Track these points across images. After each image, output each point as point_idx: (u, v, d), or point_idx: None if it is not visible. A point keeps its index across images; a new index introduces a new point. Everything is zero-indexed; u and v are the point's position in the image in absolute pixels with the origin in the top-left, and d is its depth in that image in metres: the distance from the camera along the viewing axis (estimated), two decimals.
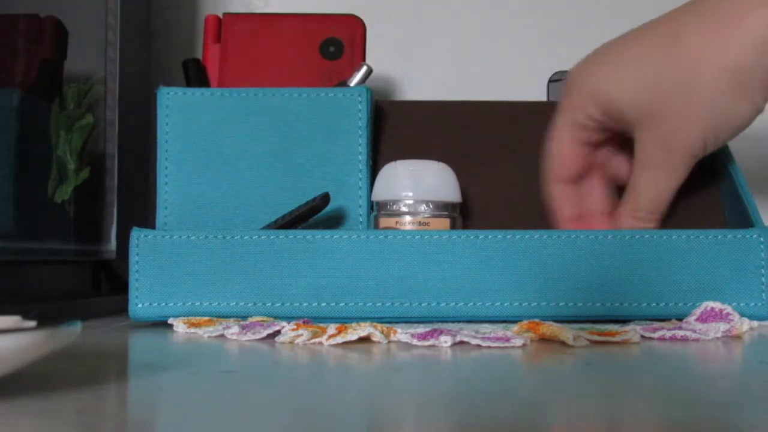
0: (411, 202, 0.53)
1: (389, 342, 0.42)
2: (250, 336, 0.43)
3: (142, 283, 0.50)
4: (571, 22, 0.79)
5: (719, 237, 0.50)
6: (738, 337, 0.45)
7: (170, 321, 0.49)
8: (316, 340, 0.42)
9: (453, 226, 0.53)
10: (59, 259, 0.57)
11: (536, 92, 0.67)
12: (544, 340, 0.43)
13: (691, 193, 0.57)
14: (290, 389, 0.31)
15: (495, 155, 0.59)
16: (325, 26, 0.66)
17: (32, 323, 0.30)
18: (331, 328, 0.42)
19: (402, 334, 0.42)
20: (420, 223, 0.53)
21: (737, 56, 0.49)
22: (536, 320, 0.44)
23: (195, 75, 0.64)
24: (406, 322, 0.49)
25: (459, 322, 0.50)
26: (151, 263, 0.50)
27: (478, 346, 0.40)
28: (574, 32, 0.78)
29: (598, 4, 0.79)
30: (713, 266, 0.50)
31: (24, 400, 0.28)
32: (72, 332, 0.29)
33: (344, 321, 0.47)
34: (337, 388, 0.32)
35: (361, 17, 0.66)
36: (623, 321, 0.50)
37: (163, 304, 0.50)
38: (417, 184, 0.53)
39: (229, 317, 0.50)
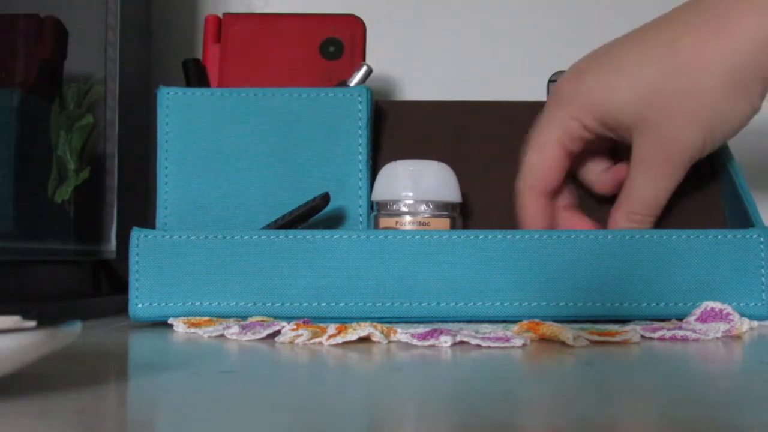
0: (411, 202, 0.53)
1: (389, 342, 0.42)
2: (250, 336, 0.43)
3: (142, 283, 0.50)
4: (571, 22, 0.79)
5: (719, 237, 0.50)
6: (738, 337, 0.45)
7: (170, 321, 0.49)
8: (316, 340, 0.42)
9: (453, 226, 0.53)
10: (59, 259, 0.57)
11: (536, 92, 0.67)
12: (544, 340, 0.43)
13: (691, 193, 0.57)
14: (290, 389, 0.31)
15: (495, 155, 0.59)
16: (325, 26, 0.66)
17: (32, 323, 0.30)
18: (331, 328, 0.42)
19: (402, 334, 0.42)
20: (420, 223, 0.53)
21: (736, 57, 0.49)
22: (536, 320, 0.44)
23: (195, 75, 0.64)
24: (406, 322, 0.49)
25: (459, 322, 0.50)
26: (151, 263, 0.50)
27: (478, 346, 0.40)
28: (574, 32, 0.78)
29: (598, 4, 0.79)
30: (713, 266, 0.50)
31: (24, 400, 0.28)
32: (72, 332, 0.29)
33: (344, 321, 0.47)
34: (337, 388, 0.32)
35: (361, 17, 0.66)
36: (623, 321, 0.50)
37: (163, 304, 0.50)
38: (417, 184, 0.53)
39: (229, 317, 0.50)
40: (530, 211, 0.55)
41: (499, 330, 0.45)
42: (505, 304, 0.50)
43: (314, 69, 0.65)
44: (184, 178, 0.56)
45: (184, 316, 0.50)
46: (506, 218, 0.58)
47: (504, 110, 0.62)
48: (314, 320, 0.48)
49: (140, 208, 0.69)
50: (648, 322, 0.49)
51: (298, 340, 0.42)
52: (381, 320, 0.48)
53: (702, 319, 0.47)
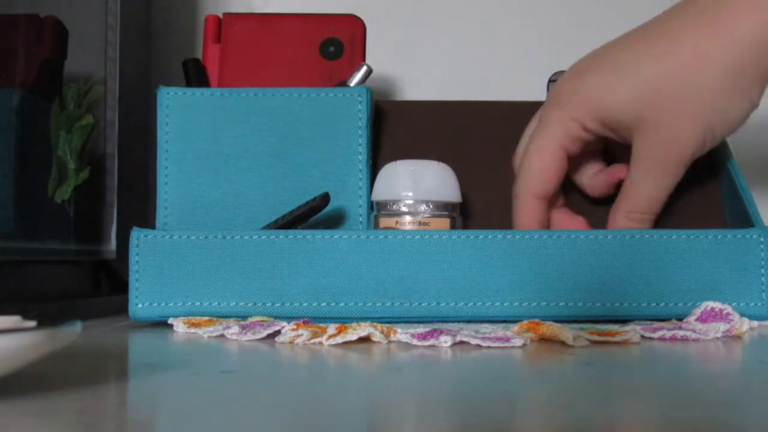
0: (411, 202, 0.53)
1: (389, 342, 0.42)
2: (250, 336, 0.43)
3: (142, 283, 0.50)
4: (571, 22, 0.79)
5: (719, 237, 0.50)
6: (738, 337, 0.45)
7: (170, 321, 0.49)
8: (316, 340, 0.42)
9: (453, 226, 0.53)
10: (59, 259, 0.57)
11: (536, 92, 0.67)
12: (544, 340, 0.43)
13: (691, 193, 0.57)
14: (290, 389, 0.31)
15: (495, 155, 0.59)
16: (325, 26, 0.66)
17: (32, 323, 0.30)
18: (331, 328, 0.42)
19: (402, 334, 0.42)
20: (420, 223, 0.53)
21: (734, 55, 0.49)
22: (536, 320, 0.44)
23: (195, 75, 0.64)
24: (406, 322, 0.49)
25: (459, 322, 0.50)
26: (151, 263, 0.50)
27: (478, 346, 0.40)
28: (574, 32, 0.78)
29: (598, 4, 0.79)
30: (713, 266, 0.50)
31: (24, 400, 0.28)
32: (72, 332, 0.29)
33: (344, 321, 0.47)
34: (337, 388, 0.32)
35: (361, 17, 0.66)
36: (623, 321, 0.50)
37: (163, 304, 0.50)
38: (417, 184, 0.53)
39: (229, 317, 0.50)
40: (530, 216, 0.55)
41: (499, 330, 0.45)
42: (505, 304, 0.50)
43: (314, 69, 0.65)
44: (184, 178, 0.56)
45: (184, 316, 0.50)
46: (506, 218, 0.58)
47: (504, 110, 0.62)
48: (314, 320, 0.48)
49: (140, 208, 0.69)
50: (648, 322, 0.49)
51: (298, 340, 0.42)
52: (381, 320, 0.48)
53: (702, 319, 0.47)
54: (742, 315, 0.47)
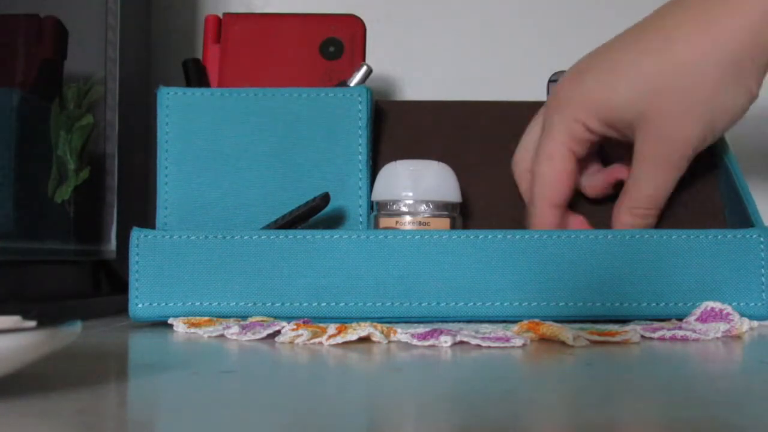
0: (411, 202, 0.53)
1: (389, 342, 0.42)
2: (250, 336, 0.43)
3: (142, 283, 0.50)
4: (571, 22, 0.79)
5: (719, 237, 0.50)
6: (738, 337, 0.45)
7: (170, 321, 0.49)
8: (316, 340, 0.42)
9: (453, 226, 0.53)
10: (59, 259, 0.57)
11: (536, 92, 0.67)
12: (544, 340, 0.43)
13: (691, 193, 0.57)
14: (290, 389, 0.31)
15: (495, 155, 0.59)
16: (325, 26, 0.66)
17: (32, 323, 0.30)
18: (331, 328, 0.42)
19: (402, 334, 0.42)
20: (420, 223, 0.53)
21: (731, 47, 0.49)
22: (536, 320, 0.44)
23: (195, 75, 0.64)
24: (406, 322, 0.49)
25: (459, 322, 0.50)
26: (151, 263, 0.50)
27: (478, 346, 0.40)
28: (574, 32, 0.78)
29: (598, 4, 0.79)
30: (713, 266, 0.50)
31: (24, 400, 0.28)
32: (72, 332, 0.29)
33: (344, 321, 0.47)
34: (337, 388, 0.32)
35: (361, 17, 0.66)
36: (623, 321, 0.50)
37: (163, 304, 0.50)
38: (417, 184, 0.53)
39: (229, 317, 0.50)
40: (547, 224, 0.54)
41: (499, 330, 0.45)
42: (505, 304, 0.50)
43: (314, 69, 0.65)
44: (184, 178, 0.56)
45: (184, 316, 0.50)
46: (506, 218, 0.58)
47: (504, 110, 0.62)
48: (314, 320, 0.48)
49: (140, 208, 0.69)
50: (648, 322, 0.49)
51: (298, 340, 0.42)
52: (381, 320, 0.48)
53: (702, 319, 0.47)
54: (742, 315, 0.47)
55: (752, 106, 0.52)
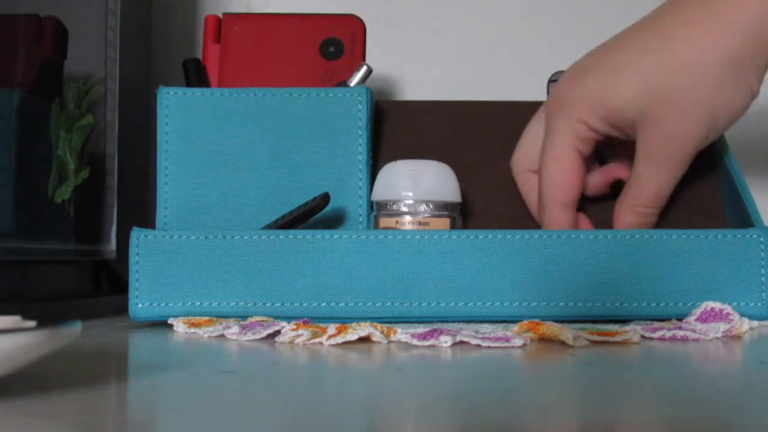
0: (411, 202, 0.53)
1: (389, 342, 0.42)
2: (250, 336, 0.43)
3: (142, 283, 0.50)
4: (571, 22, 0.79)
5: (719, 237, 0.50)
6: (738, 337, 0.45)
7: (170, 321, 0.49)
8: (316, 340, 0.42)
9: (453, 226, 0.53)
10: (59, 259, 0.57)
11: (536, 92, 0.67)
12: (544, 340, 0.43)
13: (691, 193, 0.57)
14: (290, 389, 0.31)
15: (495, 155, 0.59)
16: (325, 26, 0.66)
17: (32, 323, 0.30)
18: (331, 328, 0.42)
19: (402, 334, 0.42)
20: (420, 223, 0.53)
21: (731, 45, 0.49)
22: (536, 320, 0.44)
23: (195, 75, 0.64)
24: (406, 322, 0.49)
25: (459, 322, 0.50)
26: (151, 263, 0.50)
27: (478, 346, 0.40)
28: (574, 32, 0.78)
29: (598, 4, 0.79)
30: (713, 266, 0.50)
31: (24, 400, 0.28)
32: (72, 332, 0.29)
33: (344, 321, 0.47)
34: (337, 388, 0.32)
35: (361, 17, 0.66)
36: (623, 321, 0.50)
37: (163, 304, 0.50)
38: (417, 184, 0.53)
39: (229, 317, 0.50)
40: (561, 225, 0.54)
41: (499, 330, 0.45)
42: (505, 304, 0.50)
43: (314, 69, 0.65)
44: (184, 178, 0.56)
45: (184, 316, 0.50)
46: (506, 218, 0.58)
47: (504, 110, 0.62)
48: (314, 320, 0.48)
49: (140, 208, 0.69)
50: (648, 322, 0.49)
51: (298, 340, 0.42)
52: (381, 320, 0.48)
53: (702, 319, 0.47)
54: (742, 315, 0.47)
55: (752, 105, 0.52)
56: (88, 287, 0.62)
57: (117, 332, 0.48)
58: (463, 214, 0.55)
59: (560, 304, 0.49)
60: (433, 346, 0.40)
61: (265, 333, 0.44)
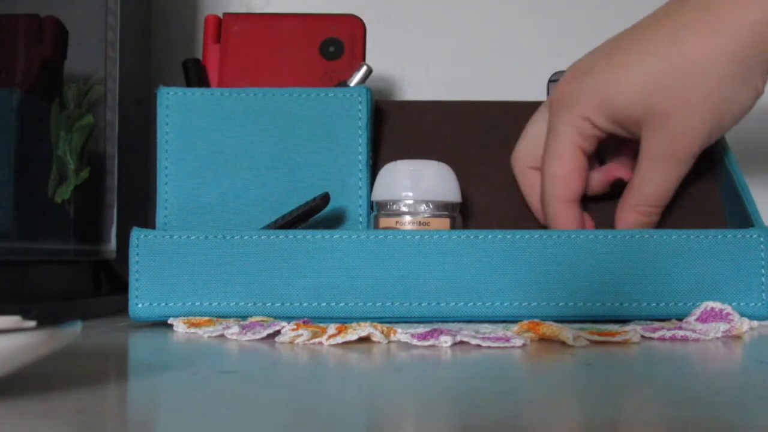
0: (411, 202, 0.53)
1: (389, 342, 0.42)
2: (250, 336, 0.43)
3: (142, 283, 0.50)
4: (571, 22, 0.79)
5: (719, 237, 0.50)
6: (738, 337, 0.45)
7: (170, 321, 0.49)
8: (316, 340, 0.42)
9: (453, 226, 0.53)
10: (59, 259, 0.57)
11: (536, 92, 0.67)
12: (544, 340, 0.43)
13: (691, 192, 0.57)
14: (290, 389, 0.31)
15: (495, 155, 0.59)
16: (325, 26, 0.66)
17: (32, 323, 0.30)
18: (331, 328, 0.42)
19: (402, 334, 0.42)
20: (420, 223, 0.53)
21: (736, 44, 0.49)
22: (536, 320, 0.44)
23: (195, 75, 0.64)
24: (406, 322, 0.49)
25: (459, 322, 0.50)
26: (151, 263, 0.50)
27: (478, 346, 0.40)
28: (574, 32, 0.78)
29: (598, 4, 0.79)
30: (713, 266, 0.50)
31: (24, 400, 0.28)
32: (72, 332, 0.29)
33: (344, 321, 0.47)
34: (337, 388, 0.32)
35: (361, 17, 0.66)
36: (623, 321, 0.50)
37: (163, 304, 0.50)
38: (417, 184, 0.53)
39: (229, 317, 0.50)
40: (566, 221, 0.54)
41: (499, 330, 0.45)
42: (505, 304, 0.50)
43: (314, 69, 0.65)
44: (184, 178, 0.56)
45: (184, 316, 0.50)
46: (506, 218, 0.58)
47: (504, 110, 0.62)
48: (314, 320, 0.48)
49: (140, 208, 0.69)
50: (648, 322, 0.49)
51: (298, 340, 0.42)
52: (381, 320, 0.48)
53: (702, 319, 0.47)
54: (742, 315, 0.47)
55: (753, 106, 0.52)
56: (88, 287, 0.62)
57: (117, 332, 0.48)
58: (463, 214, 0.55)
59: (560, 304, 0.49)
60: (433, 346, 0.40)
61: (265, 333, 0.44)
